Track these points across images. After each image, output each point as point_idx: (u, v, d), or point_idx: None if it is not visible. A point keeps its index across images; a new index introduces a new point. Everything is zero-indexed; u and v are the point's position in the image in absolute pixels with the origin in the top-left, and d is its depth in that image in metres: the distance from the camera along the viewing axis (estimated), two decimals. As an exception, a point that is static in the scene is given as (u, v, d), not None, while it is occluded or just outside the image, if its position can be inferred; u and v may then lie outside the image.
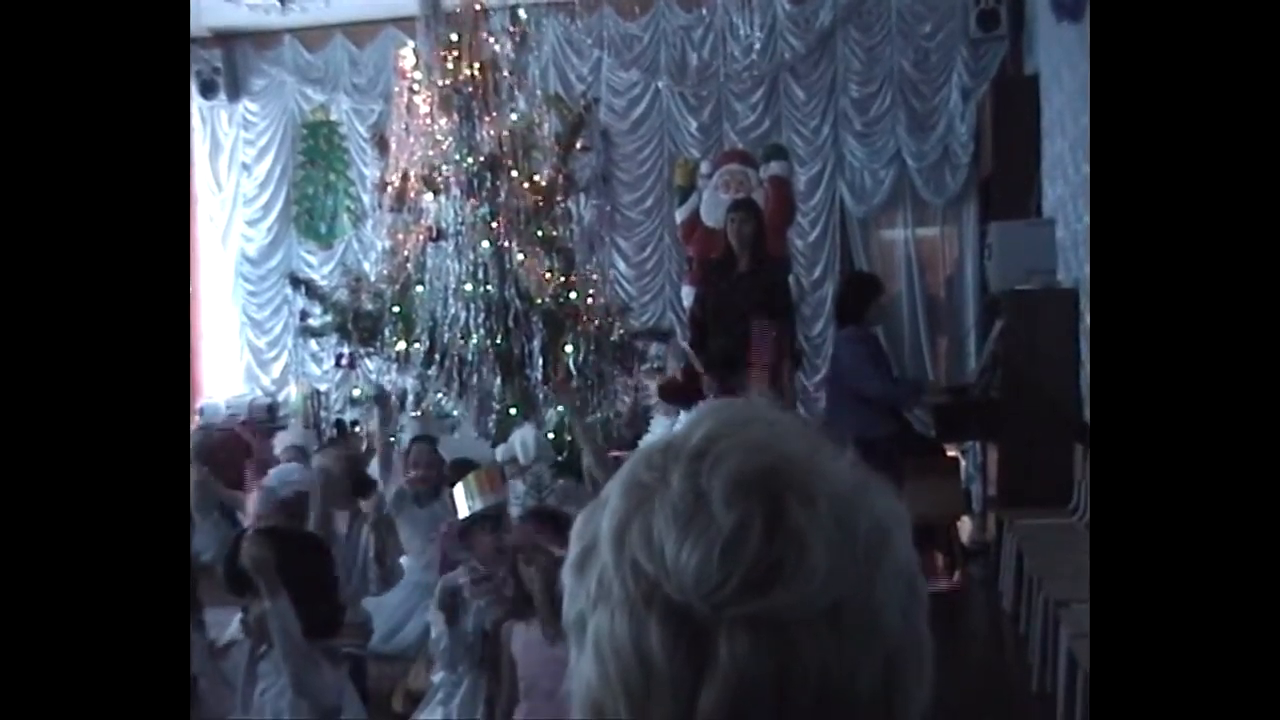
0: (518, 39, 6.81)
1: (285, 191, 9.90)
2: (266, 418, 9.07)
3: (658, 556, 0.65)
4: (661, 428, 6.26)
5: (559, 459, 5.53)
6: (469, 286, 6.46)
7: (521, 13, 6.84)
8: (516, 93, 6.76)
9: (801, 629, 0.63)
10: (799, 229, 8.68)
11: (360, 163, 9.59)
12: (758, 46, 8.91)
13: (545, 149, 6.91)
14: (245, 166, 9.99)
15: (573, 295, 6.66)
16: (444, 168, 6.55)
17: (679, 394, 6.08)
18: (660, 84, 9.13)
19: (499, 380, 6.42)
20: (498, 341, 6.44)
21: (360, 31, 9.54)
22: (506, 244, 6.53)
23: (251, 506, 4.04)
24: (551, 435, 6.09)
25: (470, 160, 6.49)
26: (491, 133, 6.58)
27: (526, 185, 6.66)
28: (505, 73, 6.69)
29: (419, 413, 6.14)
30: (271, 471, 4.52)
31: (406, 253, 6.74)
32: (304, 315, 7.63)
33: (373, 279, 7.05)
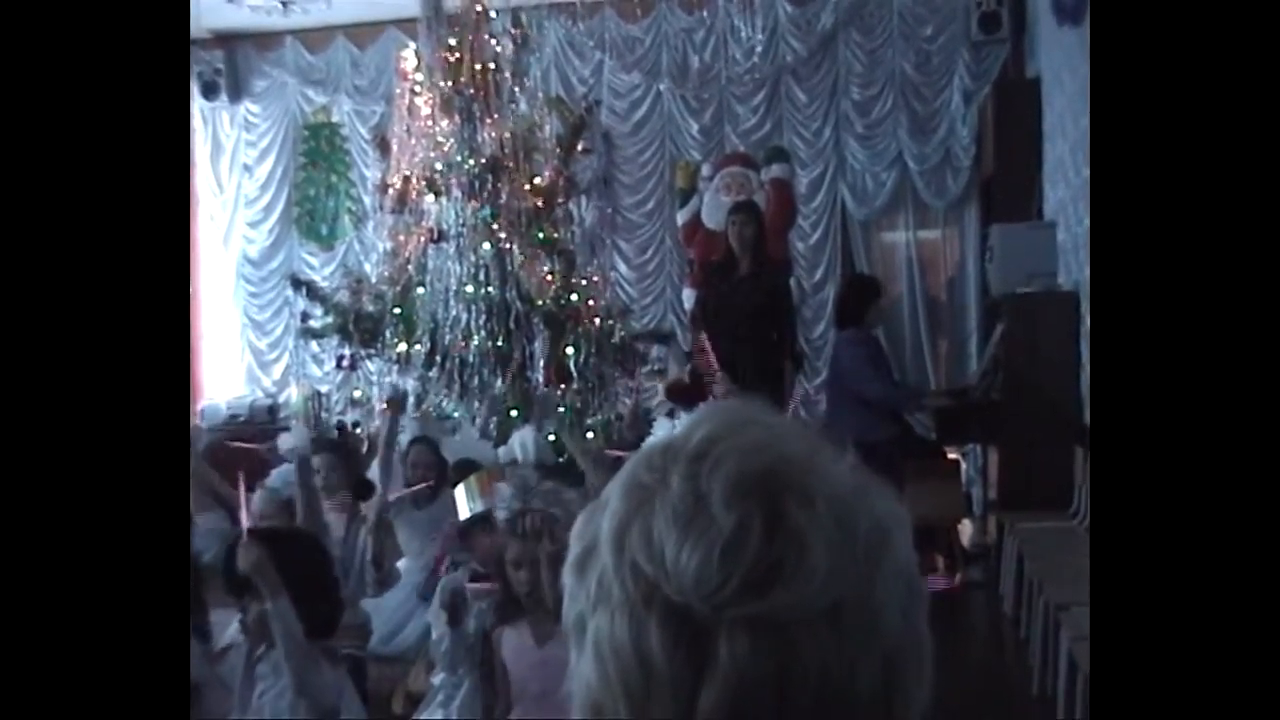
0: (519, 41, 6.81)
1: (286, 193, 9.90)
2: (267, 419, 9.06)
3: (658, 558, 0.65)
4: (663, 429, 6.26)
5: (559, 460, 5.52)
6: (470, 288, 6.47)
7: (523, 15, 6.85)
8: (518, 95, 6.76)
9: (801, 630, 0.63)
10: (800, 231, 8.68)
11: (362, 164, 9.58)
12: (759, 49, 8.91)
13: (546, 151, 6.91)
14: (247, 168, 9.99)
15: (574, 297, 6.66)
16: (445, 169, 6.55)
17: (685, 395, 6.08)
18: (662, 86, 9.13)
19: (500, 382, 6.42)
20: (499, 343, 6.44)
21: (362, 33, 9.54)
22: (507, 246, 6.53)
23: (254, 506, 4.05)
24: (552, 437, 6.09)
25: (471, 162, 6.50)
26: (493, 135, 6.59)
27: (528, 187, 6.66)
28: (507, 75, 6.69)
29: (418, 414, 6.14)
30: (274, 472, 4.52)
31: (408, 254, 6.74)
32: (305, 317, 7.62)
33: (374, 280, 7.06)
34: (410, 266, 6.71)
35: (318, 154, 9.90)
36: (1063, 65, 6.51)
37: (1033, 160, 7.42)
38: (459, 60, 6.57)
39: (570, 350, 6.47)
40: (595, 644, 0.67)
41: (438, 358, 6.45)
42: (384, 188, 6.92)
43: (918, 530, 0.71)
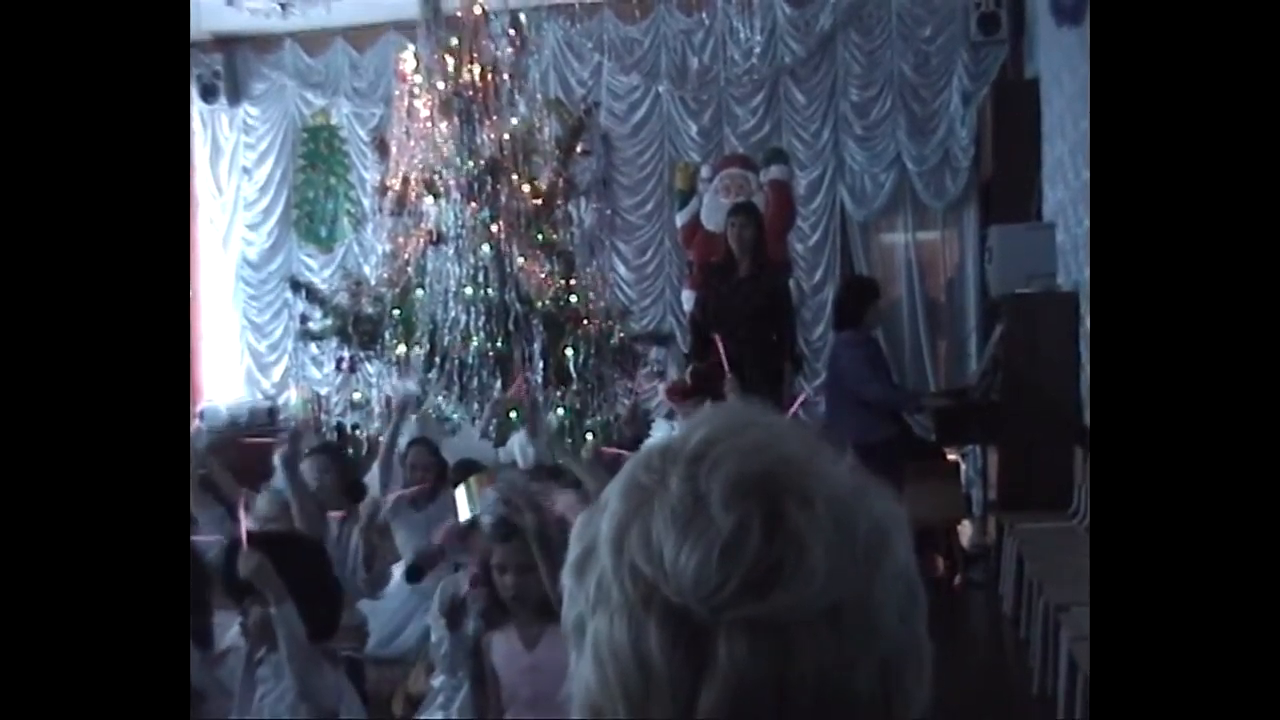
0: (518, 43, 6.82)
1: (286, 195, 9.90)
2: (267, 421, 9.06)
3: (656, 559, 0.65)
4: (663, 431, 6.26)
5: (558, 463, 5.52)
6: (469, 290, 6.47)
7: (522, 17, 6.85)
8: (517, 96, 6.77)
9: (800, 631, 0.63)
10: (799, 233, 8.68)
11: (361, 166, 9.58)
12: (758, 50, 8.91)
13: (546, 153, 6.92)
14: (246, 170, 9.99)
15: (573, 299, 6.67)
16: (444, 171, 6.56)
17: (686, 397, 6.08)
18: (660, 88, 9.13)
19: (499, 384, 6.42)
20: (498, 345, 6.45)
21: (361, 35, 9.54)
22: (507, 248, 6.54)
23: (258, 507, 4.05)
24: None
25: (470, 164, 6.50)
26: (492, 136, 6.59)
27: (527, 189, 6.67)
28: (505, 76, 6.70)
29: (417, 416, 6.14)
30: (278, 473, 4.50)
31: (407, 256, 6.74)
32: (304, 319, 7.63)
33: (373, 282, 7.06)
34: (409, 268, 6.72)
35: (317, 156, 9.90)
36: (1062, 66, 6.51)
37: (1032, 161, 7.42)
38: (458, 62, 6.57)
39: (569, 352, 6.47)
40: (594, 646, 0.67)
41: (437, 359, 6.45)
42: (383, 190, 6.93)
43: (917, 531, 0.71)
